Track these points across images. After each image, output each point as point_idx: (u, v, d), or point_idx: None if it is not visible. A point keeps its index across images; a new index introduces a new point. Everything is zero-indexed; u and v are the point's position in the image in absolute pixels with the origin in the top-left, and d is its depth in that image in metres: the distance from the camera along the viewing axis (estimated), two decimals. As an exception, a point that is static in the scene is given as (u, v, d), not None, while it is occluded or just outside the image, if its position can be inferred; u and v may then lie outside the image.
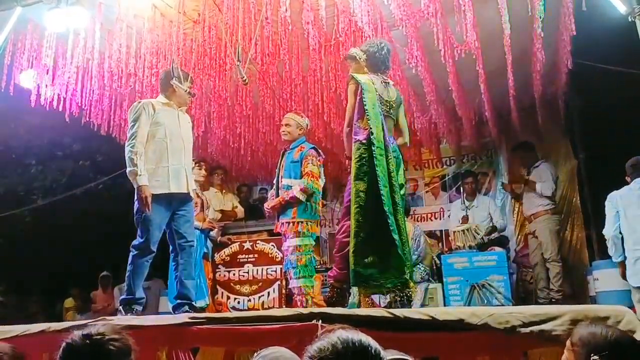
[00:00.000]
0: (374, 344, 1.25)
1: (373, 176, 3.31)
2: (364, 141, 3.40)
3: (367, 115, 3.41)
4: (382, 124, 3.45)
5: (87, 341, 1.65)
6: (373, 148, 3.34)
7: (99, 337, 1.67)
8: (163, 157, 3.68)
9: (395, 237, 3.23)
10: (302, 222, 4.17)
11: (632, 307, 3.93)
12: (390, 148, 3.50)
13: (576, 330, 1.91)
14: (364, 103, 3.43)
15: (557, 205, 5.75)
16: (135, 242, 3.62)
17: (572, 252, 6.36)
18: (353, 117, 3.51)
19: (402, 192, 3.60)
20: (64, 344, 1.67)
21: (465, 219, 5.77)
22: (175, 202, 3.72)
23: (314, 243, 4.27)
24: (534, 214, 5.72)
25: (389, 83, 3.72)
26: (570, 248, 6.37)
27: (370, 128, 3.38)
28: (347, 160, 6.83)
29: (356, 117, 3.48)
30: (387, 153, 3.42)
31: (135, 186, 3.57)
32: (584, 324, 1.95)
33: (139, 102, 3.79)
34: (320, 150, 4.46)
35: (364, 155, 3.37)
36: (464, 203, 6.52)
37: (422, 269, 4.86)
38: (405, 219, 4.96)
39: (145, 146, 3.63)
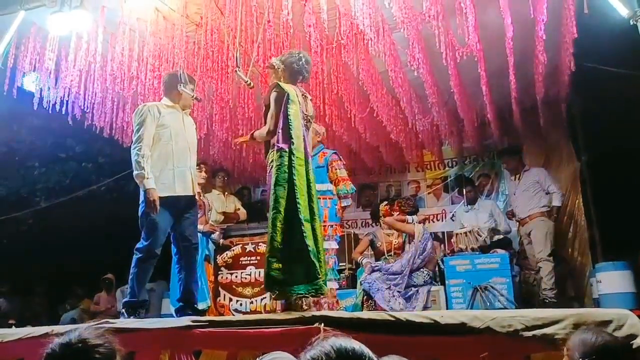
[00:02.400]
0: (367, 351, 1.20)
1: (291, 184, 3.36)
2: (286, 149, 3.42)
3: (290, 125, 3.44)
4: (304, 136, 3.51)
5: (68, 351, 1.53)
6: (293, 158, 3.38)
7: (80, 344, 1.55)
8: (169, 160, 3.67)
9: (309, 242, 3.28)
10: (332, 225, 4.20)
11: (634, 309, 3.93)
12: (311, 159, 3.55)
13: (572, 336, 1.95)
14: (289, 113, 3.45)
15: (550, 208, 5.73)
16: (139, 245, 3.61)
17: (575, 255, 6.34)
18: (278, 125, 3.48)
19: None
20: (44, 354, 1.56)
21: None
22: (180, 205, 3.71)
23: (337, 246, 4.32)
24: (529, 216, 5.69)
25: (307, 97, 3.75)
26: (573, 250, 6.36)
27: (292, 138, 3.42)
28: (345, 162, 6.87)
29: (280, 125, 3.48)
30: (307, 164, 3.48)
31: (142, 189, 3.55)
32: (579, 330, 1.99)
33: (144, 105, 3.77)
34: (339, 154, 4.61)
35: (285, 163, 3.39)
36: (466, 205, 6.54)
37: (426, 273, 4.85)
38: (415, 219, 5.03)
39: (150, 149, 3.64)
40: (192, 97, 3.86)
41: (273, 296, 3.37)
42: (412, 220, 5.03)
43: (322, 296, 3.39)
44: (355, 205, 7.99)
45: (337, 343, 1.19)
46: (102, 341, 1.58)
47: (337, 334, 1.26)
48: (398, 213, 5.22)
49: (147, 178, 3.52)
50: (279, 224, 3.29)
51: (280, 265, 3.26)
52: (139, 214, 3.63)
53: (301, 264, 3.28)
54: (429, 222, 7.32)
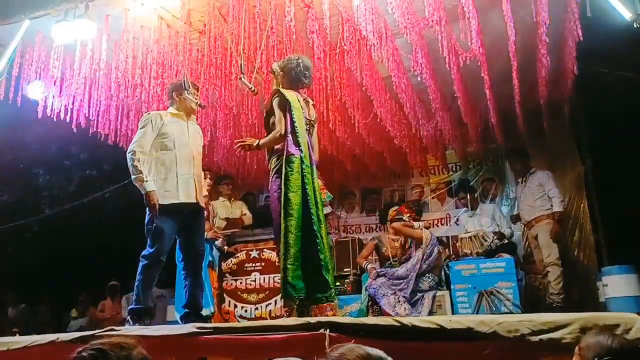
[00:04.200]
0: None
1: (304, 192, 3.38)
2: (297, 155, 3.41)
3: (297, 131, 3.44)
4: (308, 141, 3.52)
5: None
6: (304, 166, 3.39)
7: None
8: (172, 168, 3.69)
9: (324, 255, 3.32)
10: None
11: (640, 313, 3.90)
12: (315, 165, 3.57)
13: (585, 336, 1.94)
14: (294, 120, 3.45)
15: (552, 214, 5.68)
16: (145, 252, 3.62)
17: (580, 258, 6.31)
18: (287, 130, 3.48)
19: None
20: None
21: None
22: (185, 212, 3.72)
23: None
24: (535, 219, 5.67)
25: (309, 101, 3.74)
26: (578, 254, 6.32)
27: (300, 146, 3.42)
28: (349, 167, 6.83)
29: (289, 130, 3.48)
30: (313, 170, 3.48)
31: (142, 192, 3.56)
32: (593, 331, 1.97)
33: (149, 113, 3.83)
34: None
35: (296, 170, 3.39)
36: (469, 210, 6.52)
37: (431, 278, 4.84)
38: (421, 224, 5.05)
39: (154, 157, 3.66)
40: (196, 103, 3.88)
41: (295, 305, 3.33)
42: (419, 226, 5.03)
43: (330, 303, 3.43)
44: (360, 210, 8.00)
45: (360, 350, 1.21)
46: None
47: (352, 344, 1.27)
48: (409, 214, 5.21)
49: (147, 181, 3.54)
50: (294, 231, 3.30)
51: (298, 273, 3.29)
52: (145, 221, 3.64)
53: (316, 272, 3.32)
54: (433, 227, 7.31)
